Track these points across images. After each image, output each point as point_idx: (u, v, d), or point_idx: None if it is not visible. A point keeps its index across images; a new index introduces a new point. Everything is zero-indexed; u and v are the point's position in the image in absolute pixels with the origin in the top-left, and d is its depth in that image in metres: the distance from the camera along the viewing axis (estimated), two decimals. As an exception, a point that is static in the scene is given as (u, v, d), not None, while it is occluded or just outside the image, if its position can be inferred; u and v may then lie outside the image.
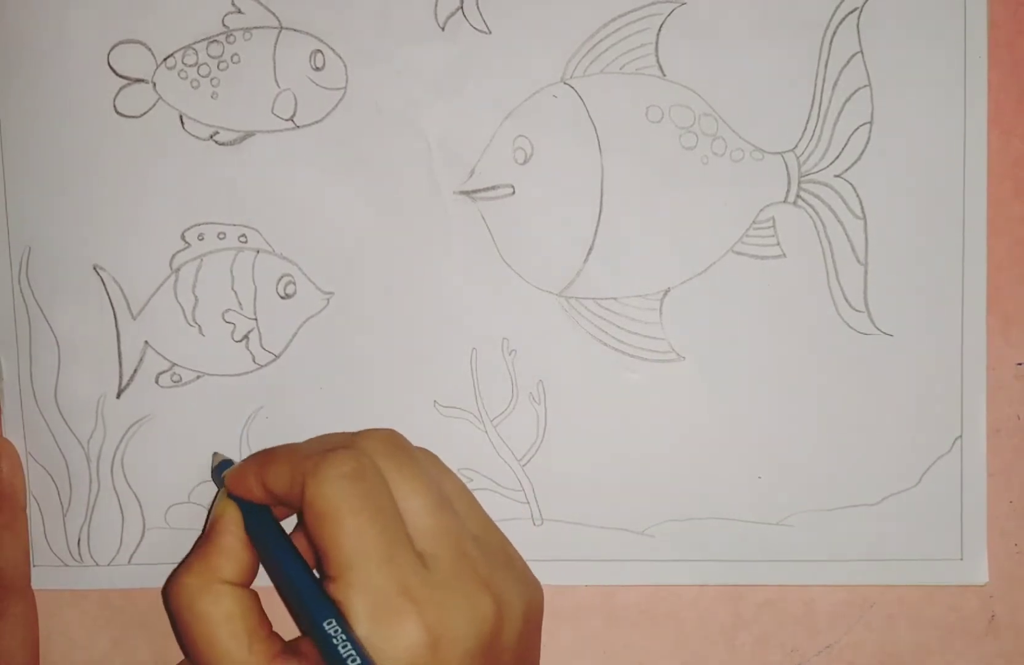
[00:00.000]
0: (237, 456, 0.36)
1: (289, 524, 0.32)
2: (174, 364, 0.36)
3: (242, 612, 0.29)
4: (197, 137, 0.35)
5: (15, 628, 0.35)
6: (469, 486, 0.35)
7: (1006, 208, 0.35)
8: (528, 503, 0.36)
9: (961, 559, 0.35)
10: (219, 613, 0.28)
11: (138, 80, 0.35)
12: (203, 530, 0.32)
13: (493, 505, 0.36)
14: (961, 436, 0.35)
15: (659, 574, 0.36)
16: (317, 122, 0.35)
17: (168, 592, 0.30)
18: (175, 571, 0.30)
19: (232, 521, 0.30)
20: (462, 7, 0.35)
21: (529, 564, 0.36)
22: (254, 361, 0.36)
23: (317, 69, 0.35)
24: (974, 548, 0.35)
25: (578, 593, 0.36)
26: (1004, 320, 0.35)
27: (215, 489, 0.36)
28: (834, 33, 0.34)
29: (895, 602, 0.35)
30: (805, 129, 0.34)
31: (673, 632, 0.36)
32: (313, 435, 0.35)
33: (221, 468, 0.33)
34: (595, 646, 0.36)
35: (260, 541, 0.30)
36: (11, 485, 0.36)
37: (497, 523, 0.36)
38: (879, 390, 0.35)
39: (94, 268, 0.36)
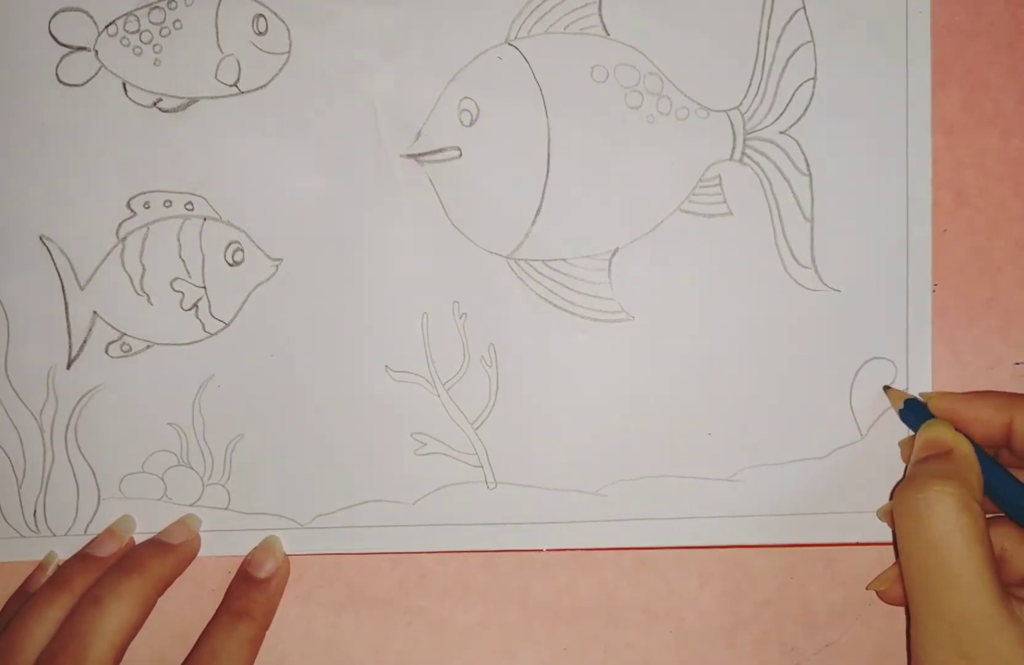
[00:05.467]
0: (190, 426, 0.36)
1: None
2: (123, 334, 0.36)
3: (987, 539, 0.29)
4: (140, 104, 0.35)
5: None
6: (422, 451, 0.36)
7: (1006, 208, 0.35)
8: (482, 466, 0.36)
9: (912, 513, 0.35)
10: (978, 531, 0.28)
11: (80, 48, 0.35)
12: (913, 459, 0.32)
13: (447, 469, 0.36)
14: (908, 390, 0.35)
15: (614, 535, 0.36)
16: (261, 87, 0.35)
17: (922, 498, 0.29)
18: (920, 483, 0.29)
19: (970, 452, 0.31)
20: (405, -31, 0.35)
21: (484, 528, 0.36)
22: (204, 329, 0.36)
23: (260, 33, 0.35)
24: (924, 501, 0.35)
25: (579, 593, 0.36)
26: (1004, 320, 0.35)
27: (171, 460, 0.36)
28: (777, -11, 0.34)
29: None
30: (749, 86, 0.34)
31: (673, 632, 0.36)
32: (266, 402, 0.36)
33: (915, 408, 0.33)
34: (595, 646, 0.36)
35: (989, 470, 0.31)
36: None
37: (451, 487, 0.36)
38: (826, 345, 0.35)
39: (40, 239, 0.36)
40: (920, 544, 0.29)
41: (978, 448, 0.31)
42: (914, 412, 0.33)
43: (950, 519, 0.28)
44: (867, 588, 0.35)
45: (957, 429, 0.32)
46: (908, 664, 0.30)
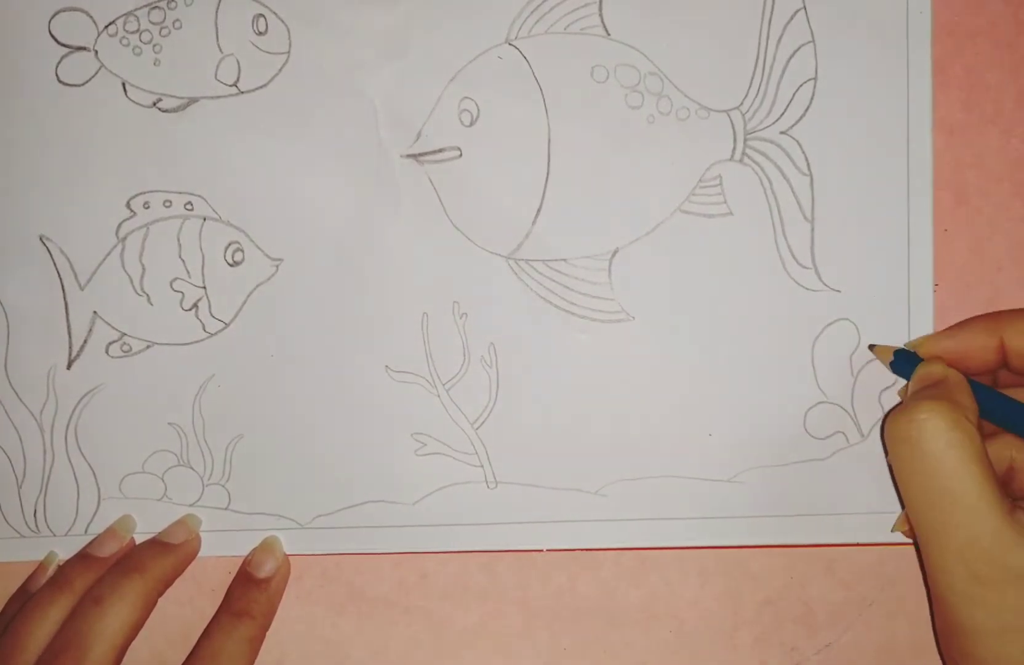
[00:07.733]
0: (190, 426, 0.36)
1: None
2: (124, 334, 0.36)
3: (984, 456, 0.28)
4: (140, 104, 0.35)
5: None
6: (422, 451, 0.36)
7: (1006, 208, 0.35)
8: (482, 466, 0.36)
9: (912, 513, 0.35)
10: (973, 448, 0.28)
11: (80, 48, 0.35)
12: (912, 392, 0.32)
13: (447, 470, 0.36)
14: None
15: (614, 535, 0.36)
16: (261, 87, 0.35)
17: (913, 420, 0.28)
18: (908, 407, 0.29)
19: (960, 378, 0.31)
20: (406, -31, 0.35)
21: (484, 528, 0.36)
22: (204, 330, 0.36)
23: (260, 33, 0.35)
24: (925, 502, 0.35)
25: (578, 593, 0.36)
26: (1004, 319, 0.35)
27: (171, 460, 0.36)
28: (777, -11, 0.34)
29: (894, 601, 0.36)
30: (750, 86, 0.34)
31: (673, 632, 0.36)
32: (266, 403, 0.36)
33: (905, 357, 0.33)
34: (595, 646, 0.36)
35: (984, 394, 0.31)
36: None
37: (451, 487, 0.36)
38: (827, 346, 0.35)
39: (40, 239, 0.36)
40: (916, 468, 0.28)
41: (969, 379, 0.31)
42: (905, 361, 0.33)
43: (942, 436, 0.28)
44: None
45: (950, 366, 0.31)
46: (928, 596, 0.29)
